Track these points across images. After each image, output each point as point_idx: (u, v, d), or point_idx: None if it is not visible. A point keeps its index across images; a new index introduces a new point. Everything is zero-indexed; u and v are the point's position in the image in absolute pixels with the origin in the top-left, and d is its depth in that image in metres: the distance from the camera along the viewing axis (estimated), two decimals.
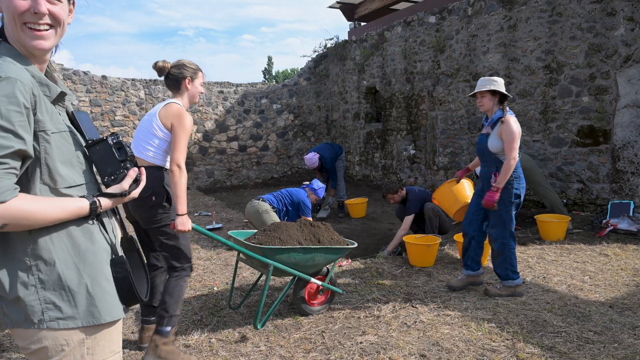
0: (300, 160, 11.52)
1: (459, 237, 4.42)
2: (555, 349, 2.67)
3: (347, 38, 11.13)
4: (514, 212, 3.48)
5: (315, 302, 3.32)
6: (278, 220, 5.12)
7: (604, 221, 5.16)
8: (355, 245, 3.37)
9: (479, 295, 3.56)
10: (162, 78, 2.84)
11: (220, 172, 10.77)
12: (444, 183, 4.48)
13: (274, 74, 54.07)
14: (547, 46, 6.22)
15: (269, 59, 54.58)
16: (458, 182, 4.31)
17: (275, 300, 3.27)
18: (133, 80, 9.82)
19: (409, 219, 4.92)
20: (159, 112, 2.67)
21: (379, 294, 3.65)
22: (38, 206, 1.11)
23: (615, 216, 5.19)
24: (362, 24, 12.11)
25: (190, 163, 10.40)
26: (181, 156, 2.57)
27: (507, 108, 3.49)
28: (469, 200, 4.02)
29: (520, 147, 3.50)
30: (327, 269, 3.42)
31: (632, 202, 5.20)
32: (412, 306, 3.38)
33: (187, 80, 2.74)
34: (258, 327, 2.94)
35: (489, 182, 3.49)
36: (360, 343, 2.83)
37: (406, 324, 3.09)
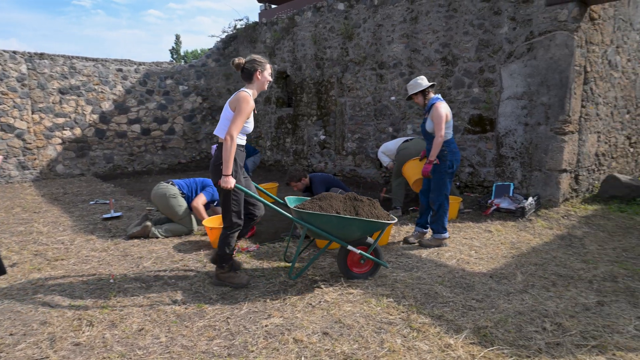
0: (209, 145, 11.15)
1: None
2: (443, 317, 2.92)
3: (257, 20, 10.89)
4: (448, 180, 4.36)
5: (357, 269, 3.62)
6: (185, 205, 4.93)
7: (489, 201, 5.75)
8: (393, 222, 3.53)
9: (380, 273, 3.77)
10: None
11: (121, 157, 10.02)
12: (413, 159, 5.13)
13: (182, 53, 51.30)
14: (444, 39, 6.67)
15: (177, 37, 51.58)
16: (421, 159, 4.84)
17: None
18: (14, 52, 8.62)
19: None
20: (230, 100, 3.28)
21: (286, 277, 3.69)
22: None
23: (499, 197, 5.80)
24: (273, 6, 11.94)
25: (85, 148, 9.53)
26: (235, 130, 3.16)
27: (437, 95, 4.38)
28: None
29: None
30: (371, 240, 3.62)
31: (512, 183, 5.85)
32: (318, 287, 3.47)
33: (257, 72, 3.34)
34: (292, 278, 3.52)
35: None
36: (265, 326, 2.84)
37: (311, 304, 3.17)
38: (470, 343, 2.60)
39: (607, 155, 6.62)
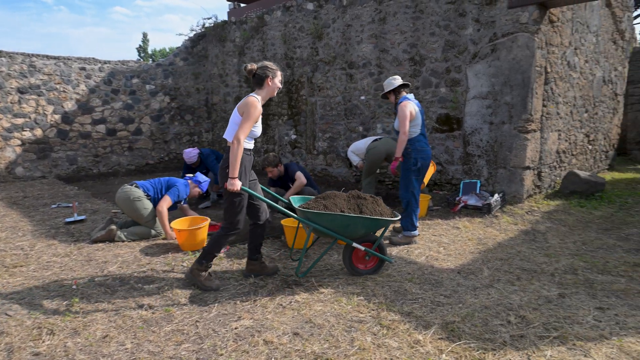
0: (178, 146, 10.94)
1: None
2: (412, 314, 2.97)
3: (226, 19, 10.76)
4: (414, 178, 4.44)
5: (362, 265, 3.69)
6: (150, 207, 4.81)
7: (457, 198, 5.87)
8: (397, 219, 3.60)
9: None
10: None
11: (85, 159, 9.69)
12: None
13: (150, 52, 50.21)
14: (411, 40, 6.77)
15: (144, 35, 50.48)
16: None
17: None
18: None
19: (300, 174, 5.21)
20: (239, 105, 3.32)
21: (256, 278, 3.66)
22: None
23: (466, 194, 5.93)
24: (242, 5, 11.82)
25: (47, 149, 9.16)
26: (242, 134, 3.20)
27: (406, 95, 4.48)
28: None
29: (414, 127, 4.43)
30: (375, 236, 3.69)
31: (478, 181, 6.00)
32: (288, 287, 3.46)
33: (269, 79, 3.38)
34: (299, 276, 3.57)
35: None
36: (235, 328, 2.81)
37: (282, 305, 3.15)
38: (439, 338, 2.65)
39: (568, 152, 6.89)
